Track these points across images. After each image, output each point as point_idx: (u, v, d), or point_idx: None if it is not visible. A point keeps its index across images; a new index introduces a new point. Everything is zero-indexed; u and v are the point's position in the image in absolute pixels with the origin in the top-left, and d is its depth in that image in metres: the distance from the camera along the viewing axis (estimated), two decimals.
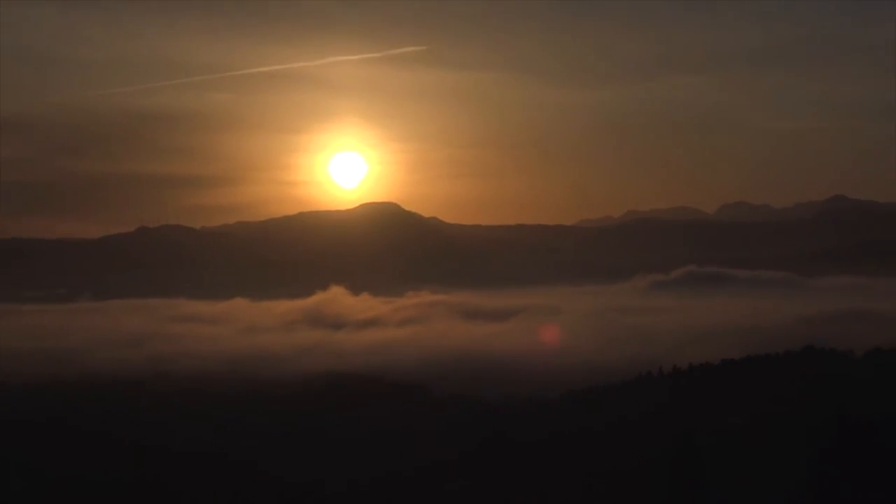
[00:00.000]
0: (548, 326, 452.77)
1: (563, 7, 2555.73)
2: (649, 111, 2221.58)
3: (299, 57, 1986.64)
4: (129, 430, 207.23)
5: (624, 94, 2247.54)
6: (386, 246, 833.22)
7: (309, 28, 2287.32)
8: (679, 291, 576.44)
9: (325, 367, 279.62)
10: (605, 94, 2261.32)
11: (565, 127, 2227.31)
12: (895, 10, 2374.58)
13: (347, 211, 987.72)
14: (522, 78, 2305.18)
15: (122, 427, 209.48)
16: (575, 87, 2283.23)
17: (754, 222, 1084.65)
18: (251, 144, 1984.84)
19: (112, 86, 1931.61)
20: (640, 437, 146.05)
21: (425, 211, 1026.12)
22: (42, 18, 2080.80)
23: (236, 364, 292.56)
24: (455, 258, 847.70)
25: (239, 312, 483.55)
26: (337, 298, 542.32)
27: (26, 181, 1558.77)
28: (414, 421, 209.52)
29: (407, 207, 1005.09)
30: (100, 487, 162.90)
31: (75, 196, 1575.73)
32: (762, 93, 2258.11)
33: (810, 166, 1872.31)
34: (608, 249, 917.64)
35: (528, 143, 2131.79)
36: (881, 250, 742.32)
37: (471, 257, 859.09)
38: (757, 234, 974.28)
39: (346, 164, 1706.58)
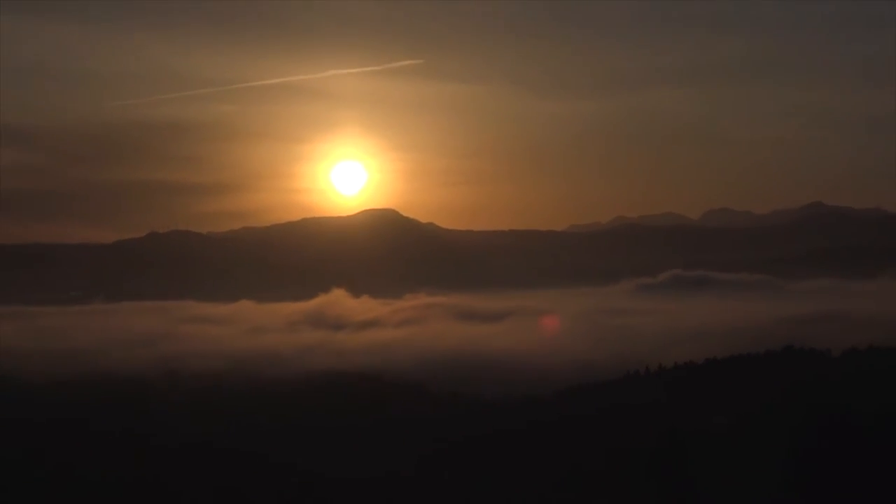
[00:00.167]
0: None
1: (555, 23, 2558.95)
2: (636, 121, 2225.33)
3: (301, 70, 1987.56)
4: (140, 425, 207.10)
5: (612, 106, 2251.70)
6: (385, 250, 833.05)
7: (310, 43, 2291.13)
8: (665, 294, 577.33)
9: (327, 366, 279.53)
10: (594, 106, 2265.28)
11: (556, 137, 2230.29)
12: (870, 25, 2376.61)
13: (348, 217, 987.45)
14: (515, 90, 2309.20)
15: (133, 422, 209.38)
16: (565, 99, 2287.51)
17: (737, 228, 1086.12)
18: (256, 154, 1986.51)
19: (123, 98, 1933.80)
20: (628, 432, 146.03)
21: (423, 217, 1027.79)
22: (53, 34, 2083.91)
23: (242, 363, 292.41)
24: (451, 262, 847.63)
25: (245, 314, 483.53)
26: (338, 301, 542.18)
27: (43, 189, 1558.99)
28: (412, 417, 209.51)
29: (405, 214, 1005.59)
30: (112, 481, 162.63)
31: (89, 203, 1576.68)
32: (743, 104, 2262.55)
33: (789, 174, 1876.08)
34: (597, 253, 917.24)
35: (520, 152, 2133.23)
36: (857, 254, 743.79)
37: (466, 261, 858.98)
38: (739, 239, 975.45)
39: (346, 172, 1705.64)
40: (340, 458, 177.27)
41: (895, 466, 49.50)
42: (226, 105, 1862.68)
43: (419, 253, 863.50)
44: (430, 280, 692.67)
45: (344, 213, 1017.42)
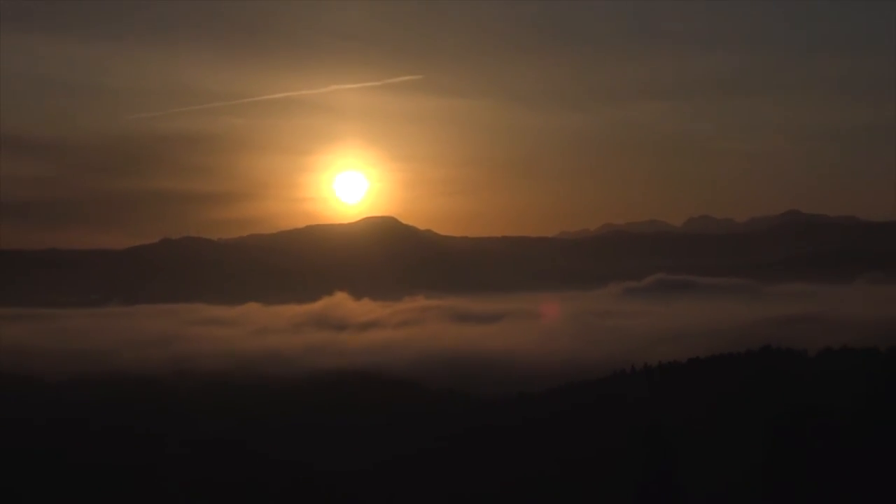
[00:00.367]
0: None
1: (547, 40, 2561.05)
2: (623, 133, 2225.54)
3: (306, 85, 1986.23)
4: (152, 422, 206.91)
5: (601, 119, 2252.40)
6: (385, 256, 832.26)
7: (314, 59, 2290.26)
8: (650, 297, 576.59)
9: (330, 365, 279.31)
10: (583, 119, 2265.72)
11: (547, 148, 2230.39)
12: (844, 45, 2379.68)
13: (350, 224, 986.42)
14: (509, 104, 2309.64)
15: (146, 419, 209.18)
16: (556, 112, 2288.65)
17: (717, 234, 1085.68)
18: (263, 164, 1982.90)
19: (137, 112, 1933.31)
20: (615, 427, 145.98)
21: (421, 224, 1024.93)
22: (71, 51, 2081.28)
23: (250, 362, 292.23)
24: (447, 267, 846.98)
25: (252, 316, 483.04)
26: (341, 303, 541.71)
27: (61, 198, 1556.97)
28: (410, 413, 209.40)
29: (404, 221, 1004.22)
30: (125, 475, 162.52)
31: (105, 211, 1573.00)
32: (724, 117, 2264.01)
33: (767, 184, 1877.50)
34: (586, 259, 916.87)
35: (513, 163, 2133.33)
36: (831, 260, 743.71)
37: (462, 266, 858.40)
38: (720, 245, 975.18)
39: (349, 181, 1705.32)
40: (343, 453, 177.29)
41: (867, 461, 49.64)
42: (235, 118, 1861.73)
43: (417, 258, 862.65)
44: (428, 284, 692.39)
45: (346, 221, 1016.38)
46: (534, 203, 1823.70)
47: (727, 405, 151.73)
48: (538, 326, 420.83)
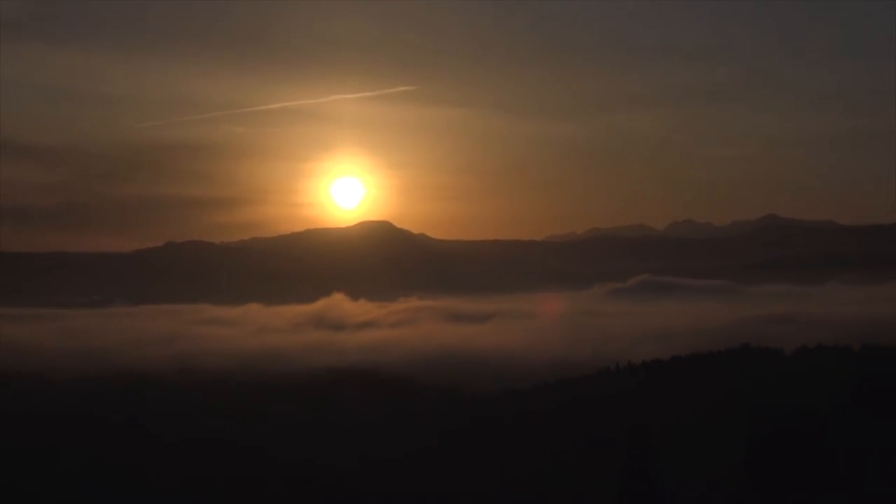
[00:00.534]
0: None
1: (536, 52, 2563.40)
2: (609, 141, 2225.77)
3: (305, 95, 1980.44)
4: (156, 418, 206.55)
5: (587, 127, 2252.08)
6: (380, 258, 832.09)
7: (313, 71, 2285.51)
8: (634, 297, 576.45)
9: (328, 364, 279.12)
10: (571, 127, 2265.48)
11: (537, 155, 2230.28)
12: (821, 55, 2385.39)
13: (347, 228, 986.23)
14: (499, 113, 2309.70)
15: (150, 416, 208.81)
16: (545, 121, 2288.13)
17: (699, 238, 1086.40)
18: (263, 171, 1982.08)
19: (142, 120, 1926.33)
20: (600, 422, 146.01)
21: (415, 228, 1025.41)
22: (77, 61, 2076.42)
23: (251, 361, 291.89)
24: (440, 269, 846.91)
25: (253, 316, 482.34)
26: (338, 304, 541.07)
27: (69, 203, 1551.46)
28: (404, 409, 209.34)
29: (399, 225, 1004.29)
30: (129, 471, 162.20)
31: (111, 215, 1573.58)
32: (704, 125, 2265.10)
33: (747, 189, 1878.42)
34: (573, 261, 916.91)
35: (504, 169, 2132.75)
36: (808, 262, 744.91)
37: (454, 268, 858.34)
38: (701, 248, 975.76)
39: (345, 187, 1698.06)
40: (341, 449, 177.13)
41: (842, 455, 49.72)
42: (236, 127, 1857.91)
43: (412, 261, 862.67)
44: (422, 285, 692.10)
45: (343, 225, 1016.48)
46: (524, 208, 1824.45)
47: (708, 401, 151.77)
48: (527, 326, 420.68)
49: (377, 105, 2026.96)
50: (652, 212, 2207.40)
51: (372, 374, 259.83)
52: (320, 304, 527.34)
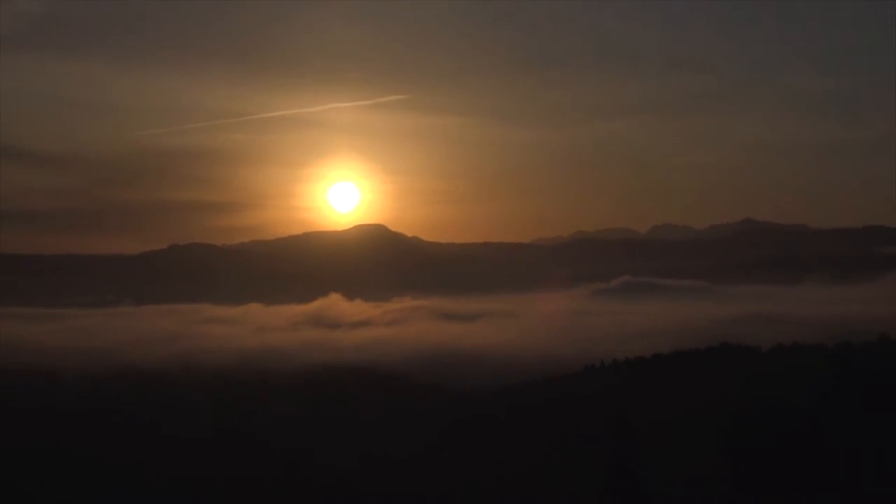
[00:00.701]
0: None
1: (524, 63, 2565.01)
2: (593, 148, 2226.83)
3: (302, 104, 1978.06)
4: (160, 413, 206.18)
5: (572, 135, 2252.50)
6: (375, 260, 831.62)
7: (310, 80, 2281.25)
8: (618, 297, 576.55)
9: (325, 361, 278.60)
10: (556, 135, 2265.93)
11: (525, 162, 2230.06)
12: (796, 66, 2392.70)
13: (343, 231, 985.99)
14: (489, 122, 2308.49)
15: (153, 412, 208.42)
16: (533, 129, 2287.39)
17: (678, 240, 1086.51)
18: (263, 176, 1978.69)
19: (146, 128, 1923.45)
20: (585, 417, 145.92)
21: (408, 231, 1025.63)
22: (84, 72, 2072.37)
23: (251, 358, 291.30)
24: (433, 270, 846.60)
25: (253, 315, 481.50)
26: (335, 304, 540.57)
27: (77, 207, 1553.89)
28: (398, 404, 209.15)
29: (393, 228, 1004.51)
30: (132, 465, 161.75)
31: (117, 219, 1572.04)
32: (684, 133, 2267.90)
33: (724, 194, 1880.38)
34: (559, 263, 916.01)
35: (493, 175, 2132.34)
36: (782, 264, 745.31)
37: (446, 269, 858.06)
38: (681, 250, 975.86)
39: (342, 192, 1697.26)
40: (337, 442, 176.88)
41: (816, 448, 49.82)
42: (237, 134, 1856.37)
43: (405, 262, 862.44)
44: (415, 286, 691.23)
45: (339, 228, 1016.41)
46: (512, 212, 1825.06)
47: (689, 397, 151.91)
48: (516, 324, 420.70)
49: (372, 113, 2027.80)
50: (634, 216, 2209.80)
51: (367, 371, 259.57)
52: (317, 304, 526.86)
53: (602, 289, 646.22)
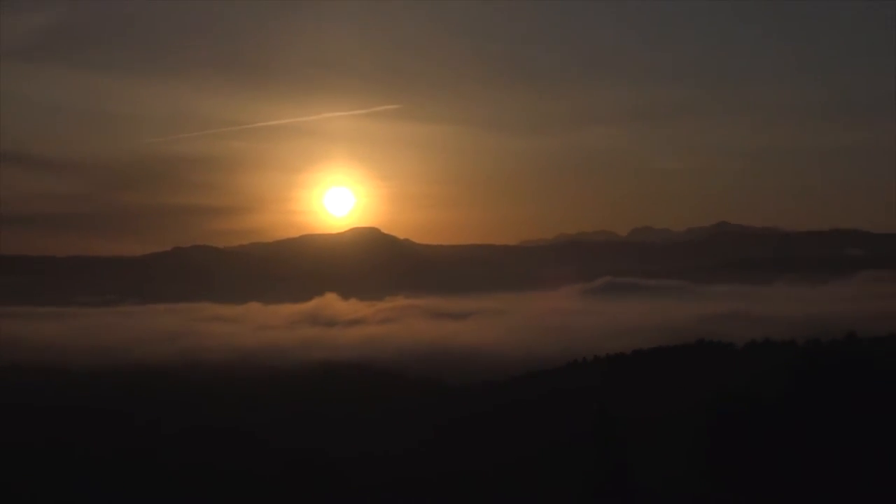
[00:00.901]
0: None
1: (509, 75, 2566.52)
2: (576, 155, 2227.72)
3: (299, 113, 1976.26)
4: (163, 408, 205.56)
5: (557, 142, 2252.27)
6: (369, 262, 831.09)
7: (307, 91, 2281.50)
8: (600, 297, 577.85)
9: (322, 358, 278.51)
10: (542, 142, 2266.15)
11: (511, 168, 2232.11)
12: (770, 74, 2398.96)
13: (339, 234, 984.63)
14: (477, 130, 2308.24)
15: (157, 406, 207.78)
16: (518, 137, 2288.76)
17: (657, 243, 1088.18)
18: (262, 182, 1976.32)
19: (151, 136, 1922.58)
20: (569, 411, 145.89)
21: (401, 234, 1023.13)
22: (91, 82, 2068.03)
23: (251, 355, 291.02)
24: (424, 271, 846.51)
25: (253, 314, 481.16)
26: (331, 303, 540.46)
27: (84, 211, 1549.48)
28: (392, 399, 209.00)
29: (386, 231, 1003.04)
30: (136, 458, 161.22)
31: (123, 222, 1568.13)
32: (663, 140, 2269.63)
33: (701, 198, 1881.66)
34: (544, 264, 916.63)
35: (482, 180, 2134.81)
36: (755, 264, 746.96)
37: (436, 270, 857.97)
38: (660, 252, 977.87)
39: (337, 197, 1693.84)
40: (333, 436, 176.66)
41: (787, 440, 50.03)
42: (237, 142, 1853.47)
43: (398, 264, 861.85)
44: (407, 286, 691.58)
45: (335, 231, 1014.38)
46: (499, 215, 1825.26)
47: (667, 391, 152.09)
48: (503, 322, 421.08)
49: (366, 122, 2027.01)
50: (615, 219, 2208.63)
51: (362, 367, 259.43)
52: (314, 304, 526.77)
53: (585, 289, 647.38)
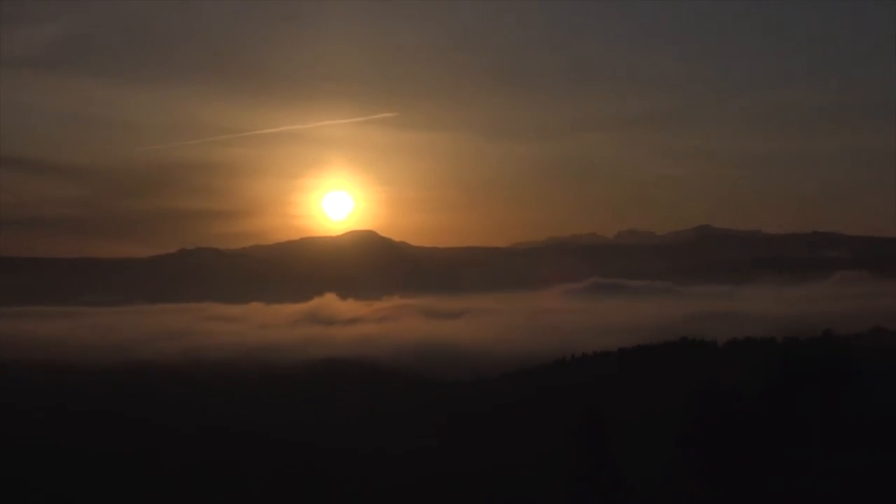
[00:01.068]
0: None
1: (501, 83, 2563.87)
2: (566, 160, 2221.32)
3: (299, 121, 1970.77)
4: (169, 403, 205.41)
5: (547, 148, 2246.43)
6: (366, 263, 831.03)
7: (306, 99, 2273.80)
8: (587, 297, 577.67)
9: (321, 355, 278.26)
10: (533, 148, 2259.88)
11: (502, 173, 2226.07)
12: (752, 83, 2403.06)
13: (337, 237, 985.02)
14: (470, 137, 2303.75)
15: (164, 400, 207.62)
16: (509, 143, 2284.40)
17: (642, 245, 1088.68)
18: (263, 187, 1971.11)
19: (156, 143, 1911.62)
20: (557, 408, 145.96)
21: (397, 236, 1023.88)
22: (98, 91, 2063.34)
23: (253, 352, 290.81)
24: (419, 272, 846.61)
25: (255, 313, 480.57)
26: (330, 303, 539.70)
27: (93, 215, 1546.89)
28: (388, 394, 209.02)
29: (383, 234, 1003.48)
30: (143, 450, 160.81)
31: (130, 226, 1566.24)
32: (647, 147, 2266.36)
33: (684, 202, 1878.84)
34: (534, 265, 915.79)
35: (474, 185, 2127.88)
36: (737, 266, 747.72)
37: (431, 271, 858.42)
38: (644, 254, 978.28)
39: (335, 201, 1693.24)
40: (332, 429, 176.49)
41: (767, 432, 50.09)
42: (239, 148, 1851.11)
43: (394, 265, 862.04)
44: (403, 286, 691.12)
45: (333, 234, 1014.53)
46: (491, 219, 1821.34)
47: (651, 387, 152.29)
48: (495, 321, 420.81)
49: (362, 129, 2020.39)
50: (602, 222, 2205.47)
51: (360, 364, 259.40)
52: (314, 303, 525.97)
53: (574, 289, 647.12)
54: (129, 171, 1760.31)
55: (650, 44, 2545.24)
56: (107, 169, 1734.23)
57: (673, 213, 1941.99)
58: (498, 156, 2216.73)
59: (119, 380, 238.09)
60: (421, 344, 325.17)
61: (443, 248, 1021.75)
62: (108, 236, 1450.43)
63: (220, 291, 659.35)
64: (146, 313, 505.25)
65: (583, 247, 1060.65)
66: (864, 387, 49.57)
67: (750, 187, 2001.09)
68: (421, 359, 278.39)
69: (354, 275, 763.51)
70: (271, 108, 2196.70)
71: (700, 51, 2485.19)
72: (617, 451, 59.62)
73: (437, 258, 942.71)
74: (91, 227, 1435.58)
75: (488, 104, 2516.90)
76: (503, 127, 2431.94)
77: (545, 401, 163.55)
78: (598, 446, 57.90)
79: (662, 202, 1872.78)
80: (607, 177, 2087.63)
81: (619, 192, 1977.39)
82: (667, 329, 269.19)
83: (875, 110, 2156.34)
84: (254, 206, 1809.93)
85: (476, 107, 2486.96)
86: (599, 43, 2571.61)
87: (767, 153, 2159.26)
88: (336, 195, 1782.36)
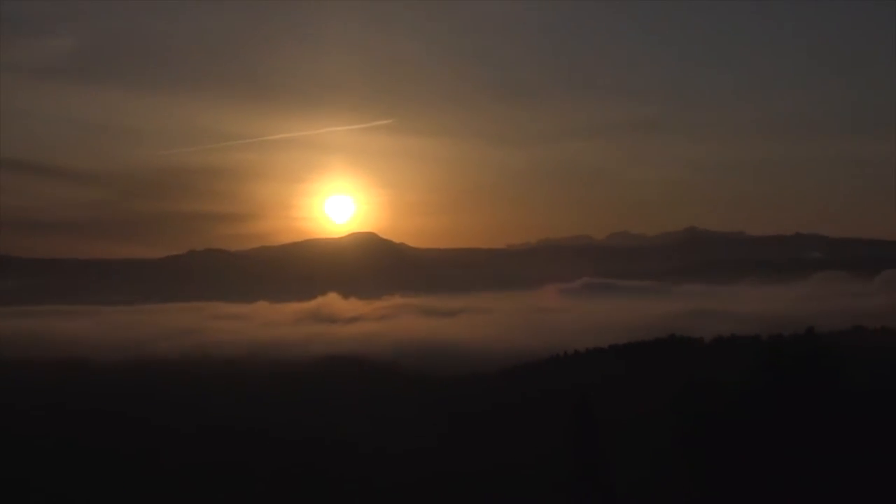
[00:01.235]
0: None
1: (495, 93, 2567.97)
2: (559, 165, 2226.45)
3: (303, 128, 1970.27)
4: (180, 397, 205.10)
5: (540, 154, 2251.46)
6: (368, 264, 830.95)
7: (310, 107, 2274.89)
8: (579, 296, 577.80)
9: (324, 352, 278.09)
10: (527, 153, 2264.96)
11: (498, 177, 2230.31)
12: (735, 91, 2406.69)
13: (339, 238, 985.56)
14: (466, 142, 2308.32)
15: (175, 395, 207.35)
16: (505, 149, 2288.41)
17: (632, 246, 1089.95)
18: (269, 190, 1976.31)
19: (167, 148, 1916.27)
20: (550, 404, 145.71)
21: (396, 238, 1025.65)
22: (112, 98, 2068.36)
23: (260, 349, 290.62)
24: (418, 272, 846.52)
25: (261, 312, 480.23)
26: (332, 302, 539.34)
27: (107, 218, 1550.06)
28: (387, 390, 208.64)
29: (383, 236, 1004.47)
30: (154, 442, 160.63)
31: (142, 228, 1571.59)
32: (637, 152, 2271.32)
33: (672, 205, 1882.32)
34: (527, 266, 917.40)
35: (471, 189, 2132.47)
36: (722, 266, 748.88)
37: (429, 271, 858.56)
38: (634, 255, 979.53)
39: (337, 204, 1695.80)
40: (334, 423, 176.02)
41: (754, 431, 49.89)
42: (246, 154, 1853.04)
43: (394, 265, 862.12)
44: (402, 286, 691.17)
45: (336, 236, 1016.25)
46: (487, 221, 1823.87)
47: (641, 382, 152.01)
48: (490, 319, 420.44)
49: (363, 135, 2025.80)
50: (594, 224, 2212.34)
51: (361, 360, 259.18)
52: (317, 302, 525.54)
53: (565, 288, 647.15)
54: (140, 176, 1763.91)
55: (636, 56, 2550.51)
56: (119, 174, 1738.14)
57: (661, 216, 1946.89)
58: (494, 160, 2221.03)
59: (132, 375, 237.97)
60: (420, 341, 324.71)
61: (440, 250, 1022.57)
62: (120, 238, 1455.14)
63: (227, 291, 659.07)
64: (157, 312, 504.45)
65: (575, 248, 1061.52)
66: (844, 381, 49.41)
67: (735, 191, 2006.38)
68: (420, 356, 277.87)
69: (356, 275, 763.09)
70: (275, 116, 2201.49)
71: (684, 61, 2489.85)
72: (608, 448, 59.44)
73: (434, 259, 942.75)
74: (104, 229, 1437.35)
75: (484, 111, 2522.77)
76: (499, 133, 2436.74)
77: (545, 400, 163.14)
78: (590, 442, 57.70)
79: (651, 205, 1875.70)
80: (599, 181, 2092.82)
81: (609, 195, 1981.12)
82: (656, 326, 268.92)
83: (856, 116, 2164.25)
84: (259, 210, 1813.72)
85: (472, 114, 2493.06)
86: (590, 55, 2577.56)
87: (752, 158, 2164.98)
88: (338, 199, 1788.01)
